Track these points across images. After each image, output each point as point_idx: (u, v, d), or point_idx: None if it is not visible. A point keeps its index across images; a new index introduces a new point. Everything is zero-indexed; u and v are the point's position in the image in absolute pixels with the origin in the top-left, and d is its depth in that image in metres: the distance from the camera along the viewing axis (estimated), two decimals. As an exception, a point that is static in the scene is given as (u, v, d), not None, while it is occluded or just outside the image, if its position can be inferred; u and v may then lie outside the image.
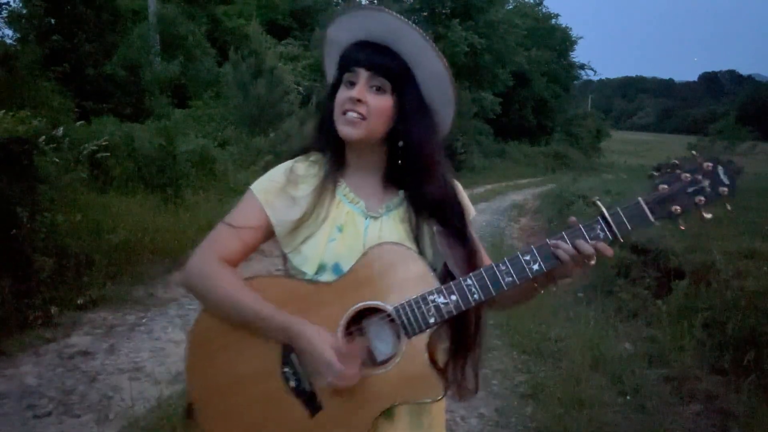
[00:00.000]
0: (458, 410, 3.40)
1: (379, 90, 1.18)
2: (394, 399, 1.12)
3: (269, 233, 1.23)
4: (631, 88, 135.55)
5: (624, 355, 4.07)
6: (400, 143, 1.20)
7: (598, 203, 1.14)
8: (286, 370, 1.14)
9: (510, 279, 1.11)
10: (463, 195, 1.30)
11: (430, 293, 1.11)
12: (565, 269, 1.11)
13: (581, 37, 40.14)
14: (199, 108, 13.72)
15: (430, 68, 1.19)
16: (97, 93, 12.59)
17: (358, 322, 1.15)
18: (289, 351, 1.14)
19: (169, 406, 3.06)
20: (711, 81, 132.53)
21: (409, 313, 1.11)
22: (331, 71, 1.27)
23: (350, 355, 1.09)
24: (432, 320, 1.11)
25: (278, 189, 1.23)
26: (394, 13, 1.15)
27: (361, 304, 1.13)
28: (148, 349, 4.10)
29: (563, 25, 39.42)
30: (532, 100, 33.86)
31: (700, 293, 4.32)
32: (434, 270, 1.16)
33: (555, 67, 35.95)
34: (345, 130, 1.18)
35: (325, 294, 1.15)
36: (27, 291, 4.33)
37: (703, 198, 1.08)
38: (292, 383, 1.14)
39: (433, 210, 1.21)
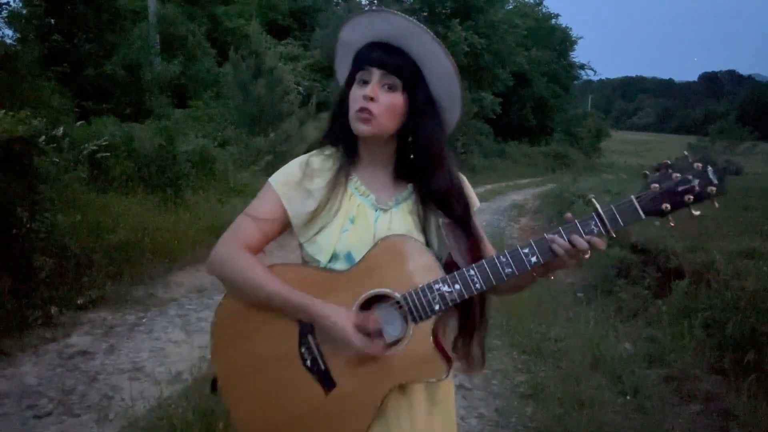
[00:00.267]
0: (458, 410, 3.40)
1: (391, 88, 1.25)
2: (402, 378, 1.22)
3: (286, 224, 1.31)
4: (631, 88, 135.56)
5: (624, 355, 4.07)
6: (410, 138, 1.27)
7: (593, 200, 1.21)
8: (303, 350, 1.23)
9: (510, 270, 1.20)
10: (469, 187, 1.38)
11: (436, 282, 1.20)
12: (561, 261, 1.20)
13: (581, 37, 40.22)
14: (199, 108, 13.72)
15: (439, 67, 1.26)
16: (97, 93, 12.60)
17: (368, 308, 1.23)
18: (306, 332, 1.23)
19: (169, 406, 3.06)
20: (711, 81, 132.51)
21: (416, 300, 1.20)
22: (342, 71, 1.35)
23: (369, 326, 1.18)
24: (437, 307, 1.20)
25: (295, 182, 1.31)
26: (406, 16, 1.22)
27: (371, 291, 1.22)
28: (148, 349, 4.10)
29: (563, 25, 39.50)
30: (532, 100, 33.87)
31: (700, 293, 4.32)
32: (440, 259, 1.24)
33: (555, 67, 35.97)
34: (359, 126, 1.25)
35: (338, 281, 1.23)
36: (27, 291, 4.33)
37: (692, 196, 1.16)
38: (308, 363, 1.23)
39: (440, 202, 1.29)
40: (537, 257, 1.19)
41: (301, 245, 1.32)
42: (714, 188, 1.16)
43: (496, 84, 28.40)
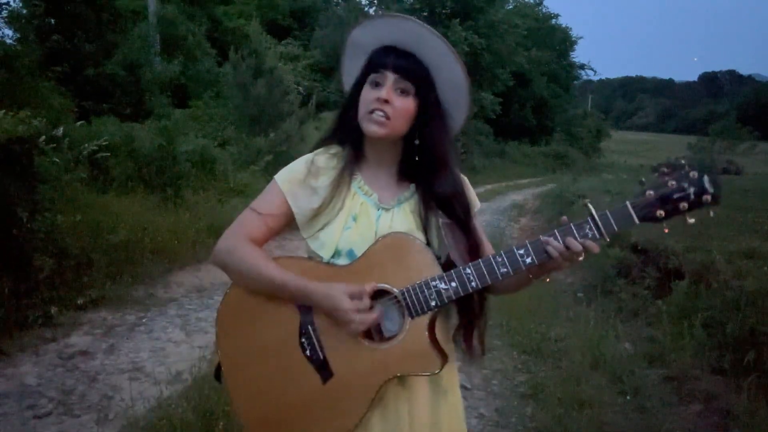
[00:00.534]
0: (458, 410, 3.39)
1: (404, 92, 1.28)
2: (396, 370, 1.25)
3: (290, 220, 1.35)
4: (631, 88, 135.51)
5: (624, 355, 4.07)
6: (417, 141, 1.31)
7: (588, 205, 1.23)
8: (303, 340, 1.27)
9: (505, 270, 1.23)
10: (470, 189, 1.41)
11: (433, 279, 1.24)
12: (555, 263, 1.22)
13: (581, 37, 40.21)
14: (199, 108, 13.71)
15: (451, 75, 1.30)
16: (97, 93, 12.58)
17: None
18: (306, 323, 1.27)
19: (169, 406, 3.06)
20: (711, 81, 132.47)
21: (413, 296, 1.24)
22: (350, 71, 1.38)
23: (364, 294, 1.22)
24: (433, 303, 1.24)
25: (300, 180, 1.35)
26: (421, 22, 1.27)
27: (373, 284, 1.25)
28: (147, 349, 4.10)
29: (563, 25, 39.46)
30: (532, 100, 33.84)
31: (700, 293, 4.31)
32: (439, 258, 1.27)
33: (555, 67, 35.95)
34: (371, 128, 1.28)
35: (340, 275, 1.27)
36: (27, 291, 4.33)
37: (686, 204, 1.18)
38: (308, 352, 1.27)
39: (443, 204, 1.32)
40: (532, 258, 1.22)
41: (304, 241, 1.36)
42: (709, 197, 1.17)
43: (496, 84, 28.35)
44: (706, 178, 1.17)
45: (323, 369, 1.26)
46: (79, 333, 4.29)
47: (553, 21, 38.76)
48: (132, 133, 8.01)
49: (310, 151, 1.41)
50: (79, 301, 4.65)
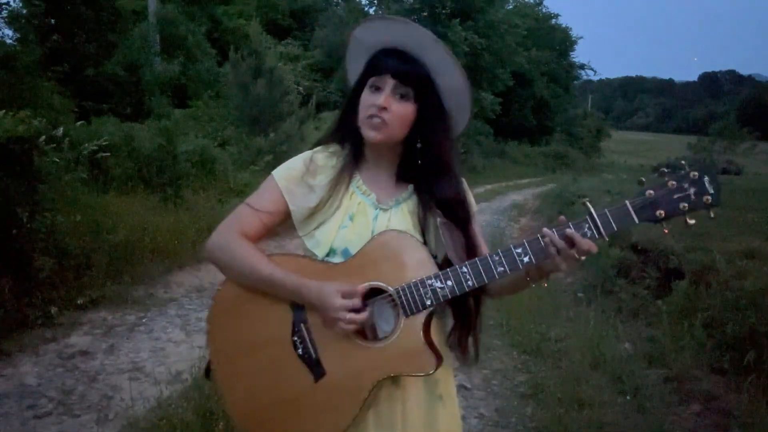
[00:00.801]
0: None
1: (403, 97, 1.28)
2: (390, 370, 1.23)
3: (286, 217, 1.34)
4: (631, 88, 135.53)
5: (624, 355, 4.07)
6: (419, 145, 1.30)
7: (587, 204, 1.22)
8: (295, 338, 1.27)
9: (502, 269, 1.21)
10: (468, 191, 1.40)
11: (429, 278, 1.22)
12: (553, 263, 1.20)
13: (581, 37, 40.20)
14: (199, 108, 13.71)
15: (452, 81, 1.29)
16: (97, 93, 12.59)
17: (363, 300, 1.25)
18: (299, 321, 1.26)
19: (169, 406, 3.06)
20: (711, 81, 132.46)
21: (408, 294, 1.22)
22: (353, 68, 1.38)
23: (356, 294, 1.20)
24: (428, 302, 1.22)
25: (298, 177, 1.33)
26: (421, 27, 1.26)
27: (366, 284, 1.24)
28: (147, 349, 4.10)
29: (563, 25, 39.47)
30: (532, 100, 33.85)
31: (700, 293, 4.32)
32: (435, 258, 1.27)
33: (555, 67, 35.94)
34: (369, 133, 1.28)
35: (335, 273, 1.26)
36: (27, 291, 4.33)
37: (686, 205, 1.17)
38: (300, 350, 1.26)
39: (443, 207, 1.31)
40: (530, 257, 1.20)
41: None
42: (709, 197, 1.16)
43: (496, 84, 28.37)
44: (706, 179, 1.16)
45: (315, 367, 1.25)
46: (79, 333, 4.29)
47: (553, 21, 38.78)
48: (132, 133, 8.02)
49: (310, 150, 1.40)
50: (79, 301, 4.65)
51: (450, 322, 1.37)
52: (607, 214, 1.18)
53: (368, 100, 1.28)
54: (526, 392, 3.63)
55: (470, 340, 1.35)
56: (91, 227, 5.34)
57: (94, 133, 7.44)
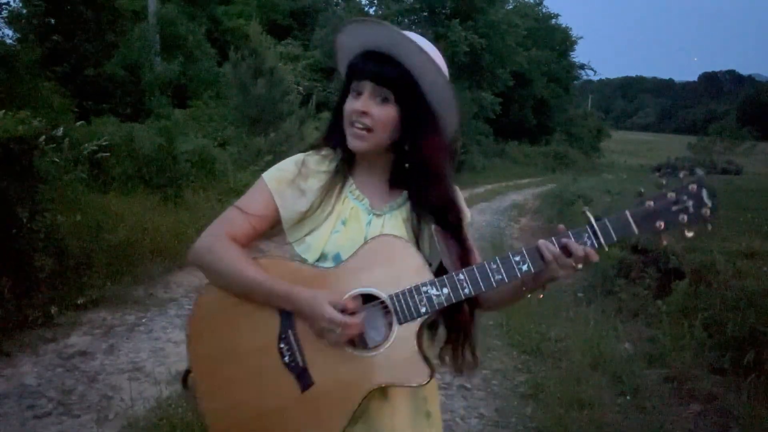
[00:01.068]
0: (458, 410, 3.40)
1: (385, 100, 1.23)
2: (382, 380, 1.18)
3: (276, 221, 1.29)
4: (631, 88, 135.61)
5: (624, 355, 4.07)
6: (406, 147, 1.26)
7: (587, 213, 1.21)
8: (282, 346, 1.20)
9: (500, 277, 1.18)
10: (462, 200, 1.36)
11: (424, 285, 1.18)
12: (551, 272, 1.18)
13: (581, 37, 40.22)
14: (199, 108, 13.71)
15: (430, 77, 1.24)
16: (97, 93, 12.58)
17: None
18: (286, 328, 1.21)
19: (168, 406, 3.06)
20: (711, 81, 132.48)
21: (402, 301, 1.18)
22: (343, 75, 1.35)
23: (348, 301, 1.17)
24: (423, 310, 1.18)
25: (289, 180, 1.29)
26: (394, 27, 1.21)
27: (358, 290, 1.20)
28: (147, 349, 4.10)
29: (563, 25, 39.49)
30: (532, 100, 33.87)
31: (700, 293, 4.32)
32: (430, 266, 1.23)
33: (555, 67, 35.96)
34: (353, 143, 1.25)
35: (325, 278, 1.21)
36: (27, 291, 4.32)
37: (685, 217, 1.17)
38: (287, 359, 1.20)
39: (435, 212, 1.27)
40: (528, 265, 1.18)
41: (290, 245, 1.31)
42: (708, 210, 1.16)
43: (496, 84, 28.38)
44: (705, 192, 1.17)
45: (303, 377, 1.19)
46: (79, 333, 4.29)
47: (553, 21, 38.79)
48: (132, 133, 8.02)
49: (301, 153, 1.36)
50: (79, 301, 4.65)
51: (439, 333, 1.32)
52: (607, 223, 1.17)
53: (349, 106, 1.25)
54: (526, 392, 3.63)
55: (466, 348, 1.30)
56: (91, 227, 5.34)
57: (94, 133, 7.45)
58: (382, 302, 1.19)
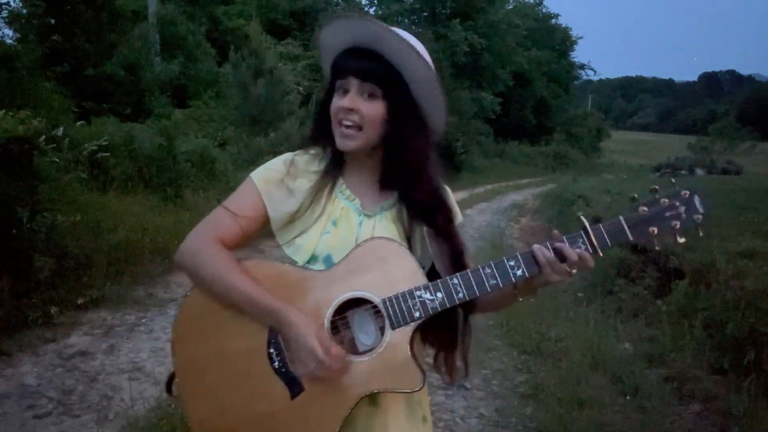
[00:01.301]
0: (458, 410, 3.40)
1: (371, 96, 1.21)
2: (374, 386, 1.15)
3: (265, 222, 1.26)
4: (631, 88, 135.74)
5: (624, 355, 4.07)
6: (394, 144, 1.23)
7: (582, 218, 1.21)
8: (271, 351, 1.17)
9: (494, 282, 1.17)
10: (452, 200, 1.33)
11: (418, 289, 1.16)
12: (545, 277, 1.17)
13: (581, 37, 40.31)
14: (199, 108, 13.72)
15: (415, 70, 1.21)
16: (97, 93, 12.57)
17: (344, 311, 1.18)
18: (275, 333, 1.17)
19: (168, 406, 3.06)
20: (711, 81, 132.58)
21: (395, 305, 1.15)
22: (329, 73, 1.31)
23: (334, 346, 1.13)
24: (417, 314, 1.15)
25: (278, 179, 1.26)
26: (376, 20, 1.18)
27: (349, 294, 1.17)
28: (147, 349, 4.10)
29: (563, 25, 39.56)
30: (532, 100, 33.90)
31: (700, 293, 4.31)
32: (423, 269, 1.20)
33: (555, 67, 36.02)
34: (342, 143, 1.22)
35: (316, 281, 1.18)
36: (27, 291, 4.33)
37: (678, 223, 1.18)
38: (276, 364, 1.17)
39: (423, 212, 1.25)
40: (523, 270, 1.17)
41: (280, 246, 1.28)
42: (701, 216, 1.18)
43: (496, 84, 28.42)
44: (696, 198, 1.18)
45: (293, 383, 1.16)
46: (79, 333, 4.29)
47: (553, 21, 38.85)
48: (132, 133, 8.02)
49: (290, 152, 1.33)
50: (79, 301, 4.65)
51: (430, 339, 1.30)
52: (602, 229, 1.18)
53: (336, 104, 1.22)
54: (526, 392, 3.63)
55: (458, 355, 1.28)
56: (91, 227, 5.34)
57: (94, 133, 7.45)
58: (374, 306, 1.16)
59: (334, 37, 1.24)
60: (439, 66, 1.27)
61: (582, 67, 41.57)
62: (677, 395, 3.56)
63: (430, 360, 1.32)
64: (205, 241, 1.21)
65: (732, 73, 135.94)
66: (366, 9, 27.36)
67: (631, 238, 1.18)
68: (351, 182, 1.29)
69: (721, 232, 5.47)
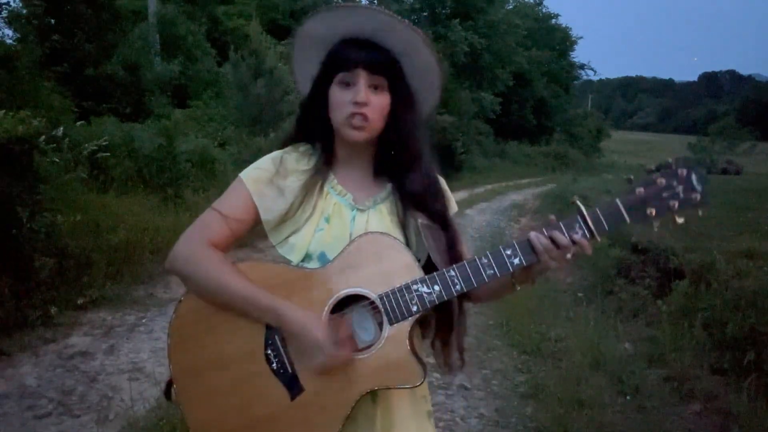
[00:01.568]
0: (458, 410, 3.40)
1: (377, 88, 1.20)
2: (374, 383, 1.14)
3: (256, 222, 1.24)
4: (631, 88, 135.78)
5: (624, 355, 4.07)
6: (393, 136, 1.23)
7: (577, 202, 1.18)
8: (269, 352, 1.16)
9: (491, 272, 1.15)
10: (447, 190, 1.33)
11: (414, 282, 1.14)
12: (543, 264, 1.15)
13: (581, 37, 40.30)
14: (199, 108, 13.72)
15: (419, 59, 1.21)
16: (97, 93, 12.57)
17: (341, 308, 1.17)
18: (273, 334, 1.16)
19: (169, 407, 3.06)
20: (711, 81, 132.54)
21: (392, 300, 1.14)
22: (303, 65, 1.28)
23: (338, 336, 1.13)
24: (415, 308, 1.14)
25: (267, 179, 1.24)
26: (382, 9, 1.18)
27: (346, 291, 1.16)
28: (147, 350, 4.09)
29: (563, 25, 39.57)
30: (532, 100, 33.90)
31: (700, 293, 4.32)
32: (418, 261, 1.19)
33: (555, 67, 36.04)
34: (352, 134, 1.20)
35: (311, 279, 1.17)
36: (27, 291, 4.33)
37: (676, 203, 1.14)
38: (275, 365, 1.15)
39: (417, 201, 1.24)
40: (519, 259, 1.15)
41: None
42: (698, 195, 1.14)
43: (496, 84, 28.42)
44: (694, 177, 1.15)
45: (292, 384, 1.14)
46: (79, 333, 4.29)
47: (553, 21, 38.86)
48: (132, 133, 8.02)
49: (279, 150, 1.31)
50: (79, 301, 4.65)
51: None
52: (598, 212, 1.14)
53: (343, 98, 1.19)
54: (526, 392, 3.63)
55: (453, 346, 1.27)
56: (91, 227, 5.34)
57: (94, 133, 7.45)
58: (371, 302, 1.15)
59: (326, 26, 1.21)
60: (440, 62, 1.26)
61: (582, 67, 41.61)
62: (677, 395, 3.56)
63: (431, 361, 1.31)
64: (197, 245, 1.19)
65: (732, 73, 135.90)
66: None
67: (628, 221, 1.14)
68: (342, 177, 1.27)
69: (721, 232, 5.47)
